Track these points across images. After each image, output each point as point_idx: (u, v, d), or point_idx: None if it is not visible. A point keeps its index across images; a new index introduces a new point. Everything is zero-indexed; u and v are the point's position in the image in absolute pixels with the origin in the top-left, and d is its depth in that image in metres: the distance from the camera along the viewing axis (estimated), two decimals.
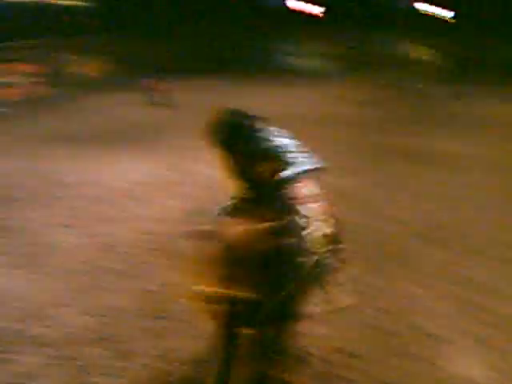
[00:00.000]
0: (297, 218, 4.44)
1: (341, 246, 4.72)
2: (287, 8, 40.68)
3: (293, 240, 4.41)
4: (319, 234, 4.54)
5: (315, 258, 4.50)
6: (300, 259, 4.45)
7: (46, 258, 8.21)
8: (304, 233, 4.45)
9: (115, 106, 21.36)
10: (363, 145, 15.08)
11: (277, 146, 4.50)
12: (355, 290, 6.63)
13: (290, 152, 4.51)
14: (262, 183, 4.52)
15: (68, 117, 19.47)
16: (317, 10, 35.76)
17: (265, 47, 31.24)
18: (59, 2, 28.55)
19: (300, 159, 4.51)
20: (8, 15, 27.00)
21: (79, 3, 31.68)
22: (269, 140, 4.53)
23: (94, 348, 6.04)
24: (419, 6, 43.09)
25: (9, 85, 23.52)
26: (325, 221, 4.62)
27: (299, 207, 4.49)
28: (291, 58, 30.58)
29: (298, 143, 4.65)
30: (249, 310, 4.55)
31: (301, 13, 39.49)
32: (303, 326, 5.04)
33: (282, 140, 4.58)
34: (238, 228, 4.51)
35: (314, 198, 4.61)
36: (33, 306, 6.85)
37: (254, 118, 4.61)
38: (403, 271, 7.80)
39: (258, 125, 4.57)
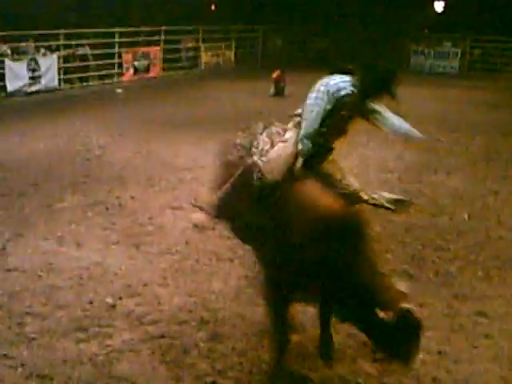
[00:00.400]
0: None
1: None
2: None
3: None
4: None
5: None
6: None
7: (151, 237, 8.48)
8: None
9: (235, 94, 21.69)
10: None
11: None
12: None
13: None
14: None
15: (188, 102, 19.89)
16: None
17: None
18: None
19: None
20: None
21: None
22: None
23: (191, 329, 6.16)
24: None
25: (138, 68, 24.26)
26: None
27: None
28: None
29: None
30: None
31: None
32: None
33: None
34: None
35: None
36: (132, 283, 7.09)
37: None
38: None
39: None
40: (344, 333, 5.92)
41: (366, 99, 4.99)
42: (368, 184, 10.89)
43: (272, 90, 21.14)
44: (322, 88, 5.00)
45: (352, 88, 4.96)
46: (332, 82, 5.00)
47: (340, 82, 4.98)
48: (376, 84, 4.91)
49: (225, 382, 5.29)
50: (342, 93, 4.94)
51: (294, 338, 5.46)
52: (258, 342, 5.92)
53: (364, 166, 12.20)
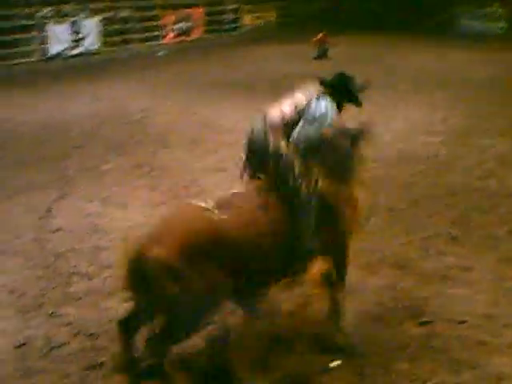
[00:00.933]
0: None
1: None
2: None
3: None
4: None
5: None
6: None
7: (195, 199, 8.44)
8: None
9: (278, 56, 21.50)
10: None
11: None
12: None
13: None
14: None
15: (230, 64, 19.80)
16: None
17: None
18: None
19: None
20: None
21: None
22: None
23: None
24: None
25: (179, 30, 24.23)
26: None
27: None
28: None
29: None
30: None
31: None
32: None
33: None
34: None
35: None
36: None
37: None
38: None
39: None
40: (388, 296, 5.90)
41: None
42: (414, 147, 10.86)
43: (315, 53, 20.93)
44: None
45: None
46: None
47: None
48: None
49: None
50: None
51: None
52: (304, 304, 5.90)
53: (408, 128, 12.05)
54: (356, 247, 6.05)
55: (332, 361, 4.93)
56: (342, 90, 5.25)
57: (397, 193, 8.79)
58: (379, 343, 5.25)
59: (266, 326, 5.23)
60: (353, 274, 5.93)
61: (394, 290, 6.09)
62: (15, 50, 19.53)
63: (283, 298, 5.39)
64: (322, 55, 20.71)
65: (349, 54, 20.96)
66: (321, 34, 20.95)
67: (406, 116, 13.00)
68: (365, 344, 5.20)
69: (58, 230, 7.54)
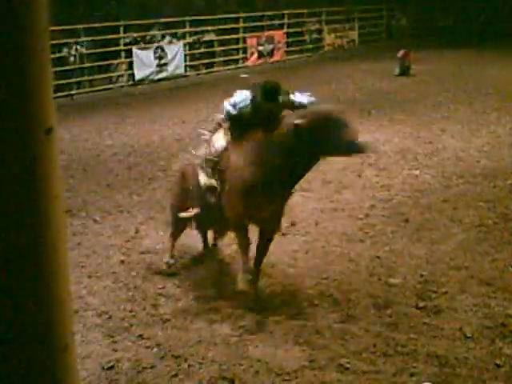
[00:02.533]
0: None
1: None
2: None
3: None
4: None
5: None
6: None
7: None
8: None
9: (360, 74, 21.38)
10: None
11: None
12: None
13: None
14: None
15: (312, 84, 19.68)
16: None
17: None
18: None
19: None
20: None
21: None
22: None
23: (324, 310, 6.04)
24: None
25: (262, 52, 24.40)
26: None
27: None
28: None
29: None
30: None
31: None
32: None
33: None
34: None
35: None
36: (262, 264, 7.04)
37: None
38: None
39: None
40: (479, 314, 5.71)
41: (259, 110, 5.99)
42: (500, 162, 10.53)
43: (397, 70, 20.74)
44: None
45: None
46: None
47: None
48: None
49: (358, 364, 5.15)
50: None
51: None
52: (392, 323, 5.75)
53: (495, 143, 11.73)
54: (445, 264, 5.86)
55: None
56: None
57: (485, 208, 8.52)
58: (472, 363, 5.06)
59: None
60: (441, 292, 5.78)
61: (484, 308, 5.90)
62: (103, 75, 20.08)
63: None
64: (405, 72, 20.54)
65: (431, 70, 20.77)
66: (402, 51, 20.79)
67: (493, 130, 12.68)
68: (458, 364, 5.02)
69: (145, 251, 7.59)
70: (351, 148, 5.54)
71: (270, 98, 5.86)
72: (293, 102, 5.98)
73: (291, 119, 5.71)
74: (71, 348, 1.55)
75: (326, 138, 5.47)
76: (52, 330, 1.50)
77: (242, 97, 6.16)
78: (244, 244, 6.06)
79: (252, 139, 5.96)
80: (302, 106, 5.92)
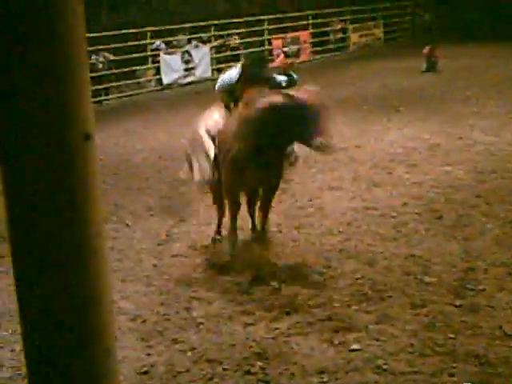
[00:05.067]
0: None
1: None
2: None
3: None
4: None
5: None
6: None
7: (312, 219, 8.36)
8: None
9: (386, 72, 21.26)
10: None
11: None
12: None
13: None
14: None
15: (339, 82, 19.67)
16: None
17: None
18: None
19: None
20: None
21: None
22: None
23: (359, 311, 5.98)
24: None
25: (287, 53, 24.33)
26: None
27: None
28: None
29: None
30: None
31: None
32: None
33: None
34: None
35: None
36: (295, 265, 7.00)
37: None
38: None
39: None
40: None
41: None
42: None
43: (424, 66, 20.60)
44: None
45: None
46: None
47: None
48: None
49: (396, 365, 5.07)
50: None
51: None
52: (429, 322, 5.67)
53: None
54: (481, 261, 5.77)
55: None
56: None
57: None
58: None
59: None
60: (479, 289, 5.68)
61: None
62: (131, 81, 20.20)
63: None
64: (431, 68, 20.38)
65: (458, 66, 20.61)
66: (428, 47, 20.64)
67: None
68: (498, 363, 4.93)
69: (177, 255, 7.57)
70: (311, 143, 6.01)
71: (257, 63, 6.93)
72: (274, 78, 6.83)
73: (269, 98, 6.25)
74: (113, 352, 1.53)
75: (294, 124, 5.96)
76: (94, 333, 1.49)
77: (232, 71, 6.98)
78: (233, 211, 7.00)
79: (234, 114, 6.66)
80: (279, 84, 6.76)
